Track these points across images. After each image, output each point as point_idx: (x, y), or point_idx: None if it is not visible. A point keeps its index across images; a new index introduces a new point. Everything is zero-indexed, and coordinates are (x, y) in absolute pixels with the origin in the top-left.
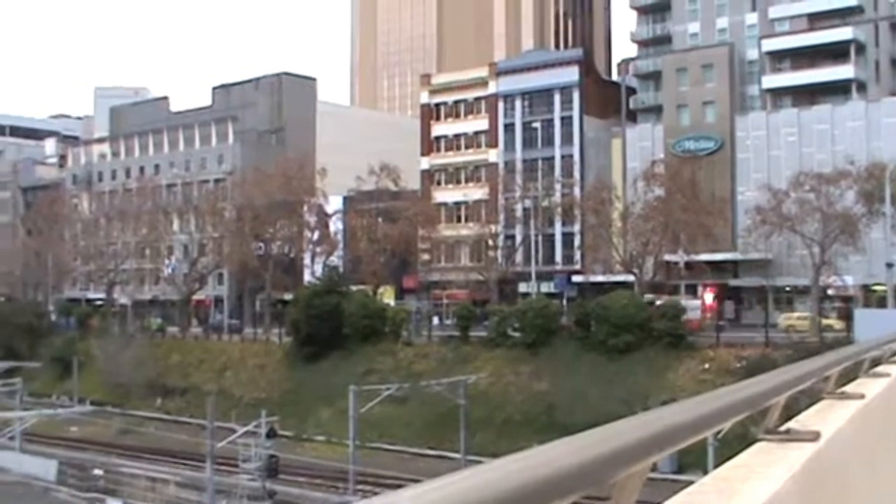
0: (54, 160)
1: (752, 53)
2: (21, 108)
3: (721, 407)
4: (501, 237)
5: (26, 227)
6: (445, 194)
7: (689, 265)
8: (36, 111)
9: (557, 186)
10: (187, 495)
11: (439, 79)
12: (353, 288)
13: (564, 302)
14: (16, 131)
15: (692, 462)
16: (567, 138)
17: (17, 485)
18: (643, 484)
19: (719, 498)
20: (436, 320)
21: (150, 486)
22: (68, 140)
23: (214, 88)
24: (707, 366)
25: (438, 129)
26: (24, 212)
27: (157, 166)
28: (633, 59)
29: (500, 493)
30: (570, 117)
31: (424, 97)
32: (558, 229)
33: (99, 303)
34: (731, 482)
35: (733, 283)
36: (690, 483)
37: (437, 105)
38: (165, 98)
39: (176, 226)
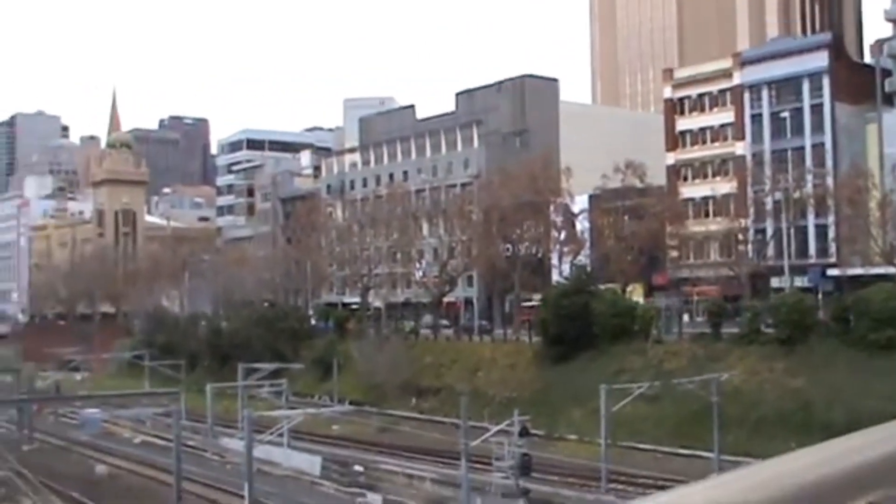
0: (309, 171)
1: None
2: (278, 123)
3: None
4: (751, 231)
5: (286, 236)
6: (692, 189)
7: None
8: (291, 126)
9: (809, 177)
10: (443, 492)
11: (682, 72)
12: (602, 287)
13: (819, 296)
14: (274, 146)
15: None
16: (818, 126)
17: (286, 478)
18: None
19: None
20: (686, 317)
21: (408, 482)
22: (321, 151)
23: (458, 94)
24: None
25: (683, 123)
26: (284, 221)
27: (405, 173)
28: (887, 40)
29: (795, 488)
30: (821, 104)
31: (667, 92)
32: (811, 221)
33: (355, 306)
34: None
35: None
36: None
37: (681, 99)
38: (411, 106)
39: (425, 230)
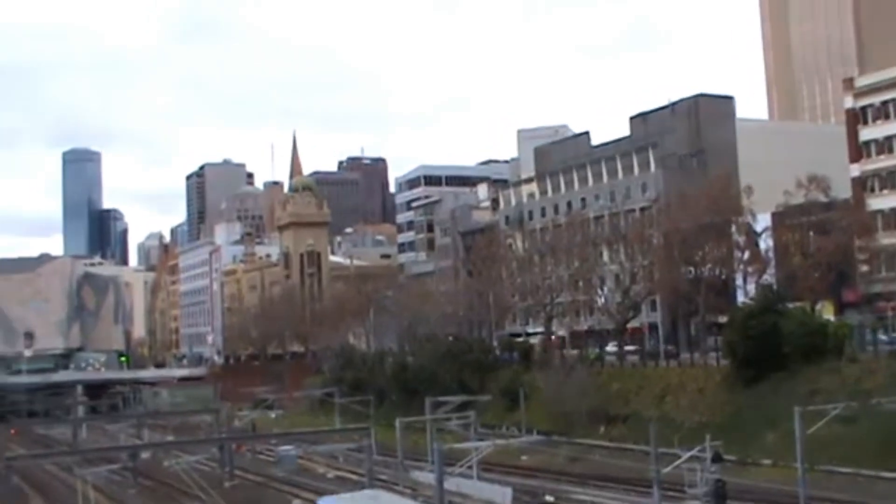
0: (487, 204)
1: None
2: (453, 158)
3: None
4: None
5: (467, 269)
6: (881, 200)
7: None
8: (467, 160)
9: None
10: None
11: (863, 80)
12: (790, 306)
13: None
14: (451, 181)
15: None
16: None
17: None
18: None
19: None
20: (881, 334)
21: None
22: (498, 183)
23: (632, 118)
24: None
25: (867, 133)
26: (464, 255)
27: (582, 200)
28: None
29: None
30: None
31: (848, 102)
32: None
33: (538, 336)
34: None
35: None
36: None
37: (863, 108)
38: (586, 133)
39: (606, 256)
